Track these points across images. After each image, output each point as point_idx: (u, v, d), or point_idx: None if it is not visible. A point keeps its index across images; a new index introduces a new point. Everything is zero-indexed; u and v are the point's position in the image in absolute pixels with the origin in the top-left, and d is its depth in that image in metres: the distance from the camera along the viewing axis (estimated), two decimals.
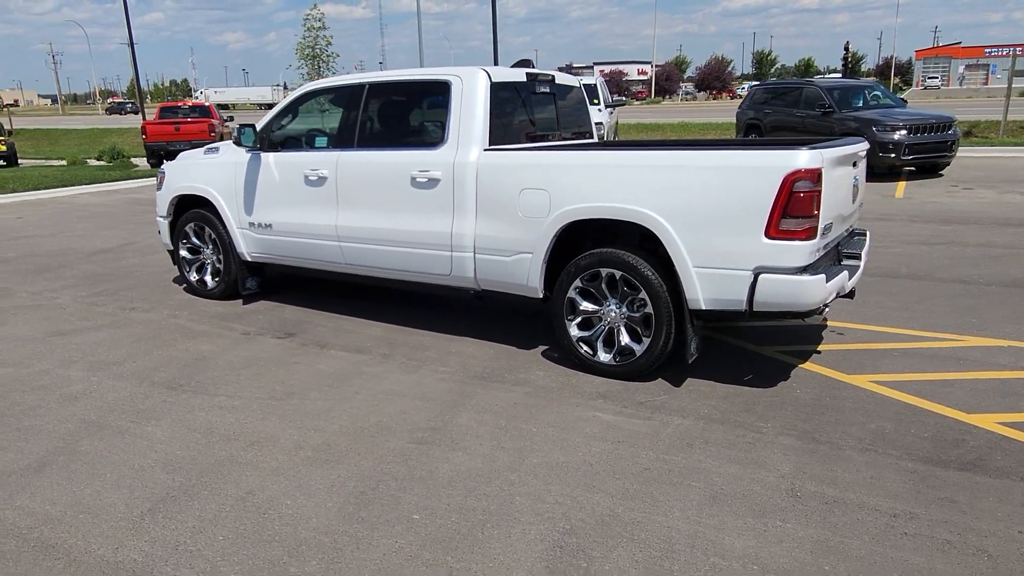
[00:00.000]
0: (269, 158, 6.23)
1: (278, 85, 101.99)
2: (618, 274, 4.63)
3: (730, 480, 3.48)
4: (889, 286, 6.82)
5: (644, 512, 3.22)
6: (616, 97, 17.02)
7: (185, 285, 7.31)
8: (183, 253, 7.13)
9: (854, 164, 4.73)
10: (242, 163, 6.40)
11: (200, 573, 2.84)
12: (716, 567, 2.83)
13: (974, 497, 3.27)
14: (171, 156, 23.23)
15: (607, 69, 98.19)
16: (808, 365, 4.95)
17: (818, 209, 4.08)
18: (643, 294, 4.56)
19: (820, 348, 5.28)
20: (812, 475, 3.52)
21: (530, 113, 5.79)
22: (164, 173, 7.23)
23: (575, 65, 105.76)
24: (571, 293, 4.84)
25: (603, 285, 4.73)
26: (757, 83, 30.22)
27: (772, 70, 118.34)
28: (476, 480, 3.53)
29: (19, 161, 26.35)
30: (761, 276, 4.16)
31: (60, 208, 14.16)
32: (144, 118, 28.50)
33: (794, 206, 4.02)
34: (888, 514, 3.16)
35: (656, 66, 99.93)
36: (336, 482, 3.52)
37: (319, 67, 48.47)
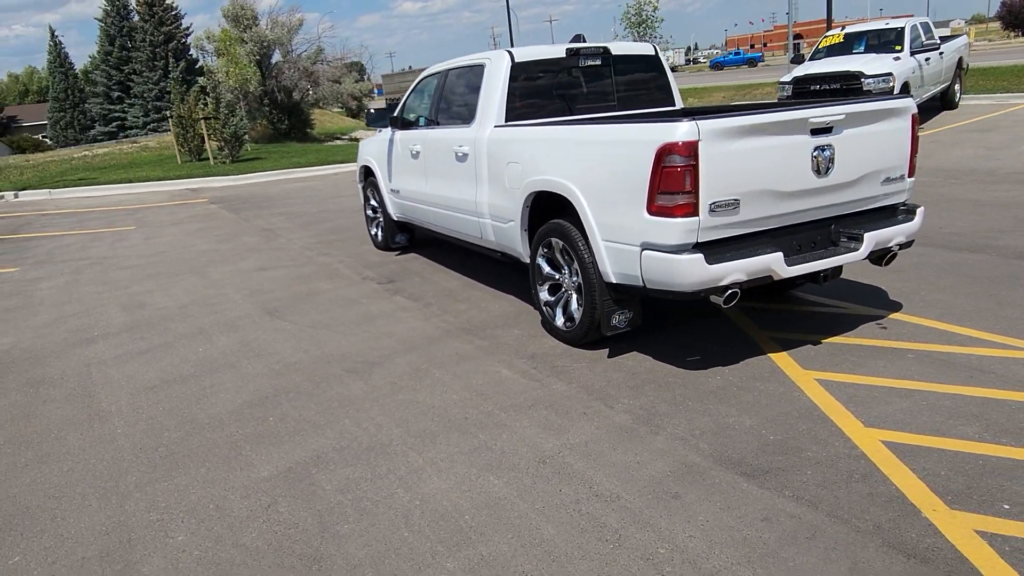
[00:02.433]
0: (397, 135, 7.52)
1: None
2: (561, 244, 4.86)
3: (511, 435, 3.75)
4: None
5: (421, 441, 3.75)
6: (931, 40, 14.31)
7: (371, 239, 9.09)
8: (367, 212, 8.92)
9: (815, 132, 4.12)
10: (387, 139, 7.81)
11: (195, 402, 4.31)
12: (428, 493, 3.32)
13: None
14: None
15: None
16: (776, 355, 4.54)
17: (693, 185, 3.85)
18: (576, 264, 4.74)
19: (822, 339, 4.71)
20: (574, 449, 3.59)
21: (571, 88, 6.04)
22: (359, 146, 9.05)
23: None
24: (538, 260, 5.19)
25: (557, 254, 4.99)
26: None
27: None
28: (339, 402, 4.39)
29: None
30: (644, 252, 4.10)
31: None
32: None
33: (666, 181, 3.88)
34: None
35: None
36: (260, 387, 4.71)
37: (645, 33, 48.35)
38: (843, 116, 4.18)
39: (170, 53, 42.79)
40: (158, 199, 16.34)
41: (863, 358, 4.37)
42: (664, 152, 3.85)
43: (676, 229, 3.93)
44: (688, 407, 3.94)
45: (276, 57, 42.14)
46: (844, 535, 2.77)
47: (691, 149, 3.81)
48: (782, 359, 4.47)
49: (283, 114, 37.19)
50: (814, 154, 4.14)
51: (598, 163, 4.38)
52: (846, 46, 15.10)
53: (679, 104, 6.43)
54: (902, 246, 4.67)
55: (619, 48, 6.20)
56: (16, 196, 18.90)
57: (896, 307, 5.18)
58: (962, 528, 2.76)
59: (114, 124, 45.97)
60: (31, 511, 3.44)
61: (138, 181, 18.96)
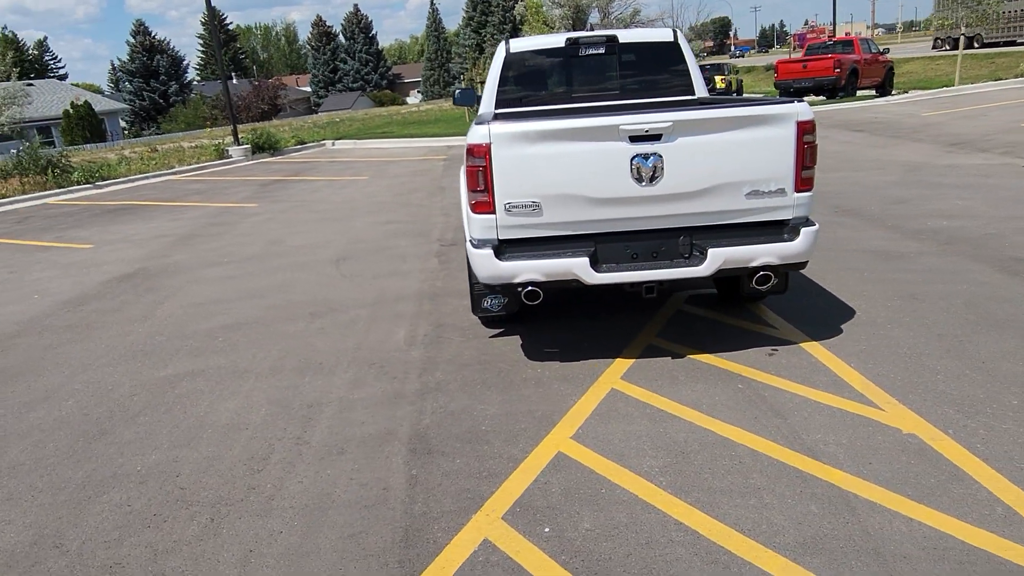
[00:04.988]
0: None
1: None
2: None
3: (327, 380, 4.54)
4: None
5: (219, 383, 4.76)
6: None
7: None
8: None
9: (635, 139, 3.97)
10: None
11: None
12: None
13: None
14: (797, 95, 24.63)
15: None
16: (620, 359, 4.53)
17: (488, 186, 4.11)
18: None
19: (689, 353, 4.54)
20: (344, 399, 4.24)
21: (571, 76, 6.18)
22: None
23: None
24: None
25: None
26: None
27: None
28: (281, 334, 5.53)
29: (743, 95, 32.20)
30: (466, 245, 4.46)
31: None
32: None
33: (470, 181, 4.21)
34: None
35: None
36: (251, 314, 6.05)
37: None
38: (669, 124, 3.97)
39: (515, 18, 46.85)
40: (417, 154, 19.00)
41: (691, 379, 4.18)
42: (468, 153, 4.16)
43: (478, 225, 4.23)
44: (465, 390, 4.29)
45: (594, 18, 43.83)
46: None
47: (484, 152, 4.07)
48: (616, 365, 4.46)
49: None
50: (634, 162, 4.03)
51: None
52: None
53: (699, 92, 6.13)
54: (777, 269, 4.22)
55: (630, 36, 6.12)
56: (333, 144, 23.37)
57: (826, 335, 4.63)
58: (471, 535, 2.93)
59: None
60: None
61: (420, 136, 22.05)
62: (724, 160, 4.05)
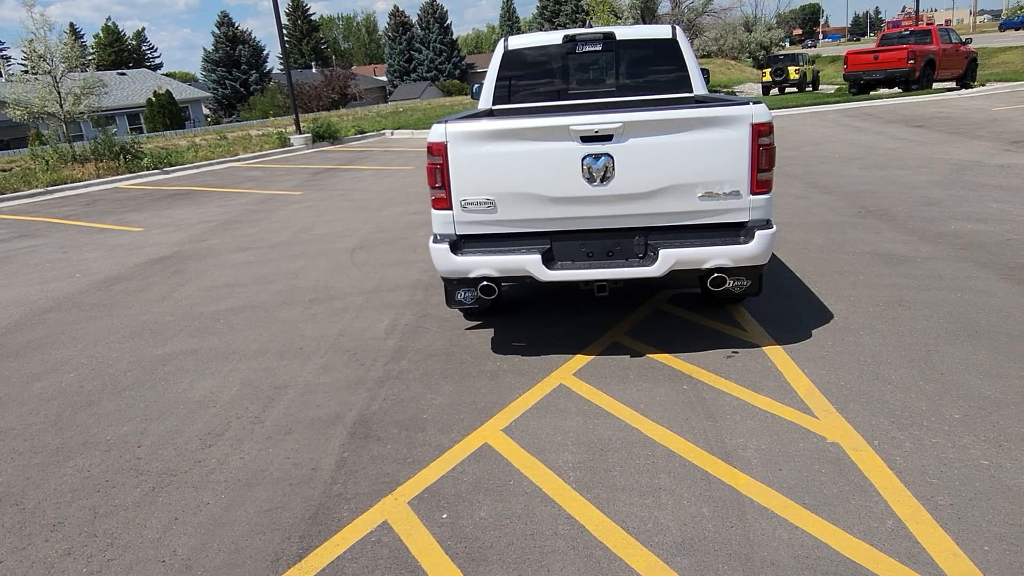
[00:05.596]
0: None
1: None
2: None
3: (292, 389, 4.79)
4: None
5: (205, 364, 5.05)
6: None
7: None
8: None
9: (586, 140, 4.01)
10: None
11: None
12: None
13: None
14: (866, 87, 23.66)
15: None
16: (579, 355, 4.60)
17: (445, 183, 4.25)
18: None
19: (649, 352, 4.57)
20: (282, 410, 4.47)
21: (567, 73, 6.21)
22: None
23: None
24: None
25: None
26: None
27: None
28: (278, 318, 5.84)
29: (819, 86, 32.15)
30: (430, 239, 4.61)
31: None
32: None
33: (429, 178, 4.35)
34: None
35: None
36: (263, 298, 6.38)
37: None
38: (619, 125, 4.00)
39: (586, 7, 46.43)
40: None
41: (640, 378, 4.21)
42: (427, 151, 4.31)
43: (437, 220, 4.37)
44: (422, 380, 4.45)
45: (664, 8, 43.04)
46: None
47: (441, 149, 4.21)
48: (574, 361, 4.53)
49: None
50: (585, 162, 4.08)
51: None
52: None
53: (698, 90, 6.07)
54: (731, 271, 4.20)
55: (626, 33, 6.10)
56: (392, 134, 23.89)
57: (793, 339, 4.58)
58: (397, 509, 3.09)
59: None
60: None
61: None
62: (676, 161, 4.06)
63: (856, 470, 3.14)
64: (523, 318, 5.37)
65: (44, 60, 16.24)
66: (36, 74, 16.92)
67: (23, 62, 17.02)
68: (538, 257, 4.22)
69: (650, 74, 6.14)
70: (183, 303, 6.46)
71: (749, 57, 63.29)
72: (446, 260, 4.32)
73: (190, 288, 6.94)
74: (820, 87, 35.47)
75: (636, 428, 3.64)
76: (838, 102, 21.05)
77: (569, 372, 4.37)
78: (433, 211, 4.37)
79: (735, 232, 4.18)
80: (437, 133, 4.20)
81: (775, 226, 4.23)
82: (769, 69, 35.88)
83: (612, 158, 4.06)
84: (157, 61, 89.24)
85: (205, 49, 59.51)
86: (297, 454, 3.65)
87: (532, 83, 6.25)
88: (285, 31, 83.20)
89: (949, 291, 5.22)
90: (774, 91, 35.10)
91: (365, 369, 4.66)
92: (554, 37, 6.14)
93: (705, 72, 7.69)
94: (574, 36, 6.07)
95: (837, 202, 8.48)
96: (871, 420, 3.54)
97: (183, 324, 5.86)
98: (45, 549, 3.03)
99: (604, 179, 4.09)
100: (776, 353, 4.41)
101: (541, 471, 3.32)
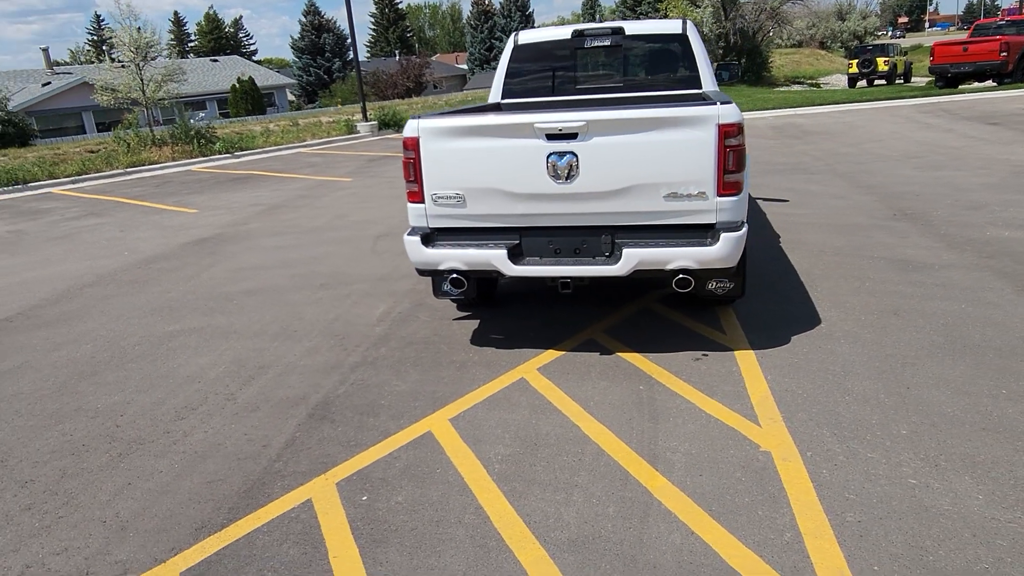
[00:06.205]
0: None
1: None
2: None
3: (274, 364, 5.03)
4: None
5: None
6: None
7: None
8: None
9: (551, 137, 4.04)
10: None
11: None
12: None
13: None
14: (954, 81, 22.40)
15: None
16: (550, 351, 4.66)
17: (418, 177, 4.37)
18: None
19: (619, 351, 4.58)
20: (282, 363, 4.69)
21: (576, 68, 6.21)
22: None
23: None
24: None
25: None
26: None
27: None
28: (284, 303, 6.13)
29: (911, 79, 31.64)
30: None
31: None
32: None
33: (404, 171, 4.48)
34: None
35: None
36: (278, 280, 6.70)
37: None
38: (583, 123, 4.01)
39: None
40: None
41: (601, 376, 4.23)
42: (403, 146, 4.44)
43: (412, 213, 4.50)
44: (394, 367, 4.59)
45: None
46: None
47: (414, 144, 4.33)
48: (544, 355, 4.59)
49: (738, 56, 37.06)
50: (550, 159, 4.11)
51: None
52: None
53: (707, 86, 5.96)
54: (699, 273, 4.15)
55: (637, 28, 6.05)
56: None
57: (769, 345, 4.49)
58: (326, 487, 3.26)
59: None
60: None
61: None
62: (640, 161, 4.04)
63: (776, 480, 3.09)
64: (510, 311, 5.45)
65: (128, 49, 17.24)
66: (122, 63, 18.00)
67: (112, 51, 18.10)
68: (504, 252, 4.28)
69: (658, 69, 6.08)
70: (207, 283, 6.84)
71: (841, 47, 60.59)
72: (417, 252, 4.44)
73: (218, 269, 7.33)
74: (912, 80, 33.69)
75: (577, 426, 3.68)
76: (915, 97, 19.95)
77: (534, 367, 4.42)
78: (408, 204, 4.50)
79: (702, 234, 4.13)
80: (410, 128, 4.32)
81: (745, 228, 4.15)
82: (856, 60, 34.36)
83: (576, 156, 4.07)
84: (252, 48, 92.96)
85: (292, 37, 61.63)
86: (255, 431, 3.87)
87: (541, 78, 6.29)
88: (372, 19, 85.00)
89: (954, 301, 4.97)
90: (861, 83, 33.60)
91: (346, 354, 4.85)
92: (564, 32, 6.16)
93: (731, 66, 7.57)
94: (583, 31, 6.06)
95: (875, 203, 8.14)
96: (813, 431, 3.46)
97: (200, 303, 6.22)
98: (11, 503, 3.34)
99: (569, 177, 4.12)
100: (746, 358, 4.33)
101: (470, 461, 3.42)
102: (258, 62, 73.41)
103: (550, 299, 5.65)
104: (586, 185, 4.12)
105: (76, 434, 3.98)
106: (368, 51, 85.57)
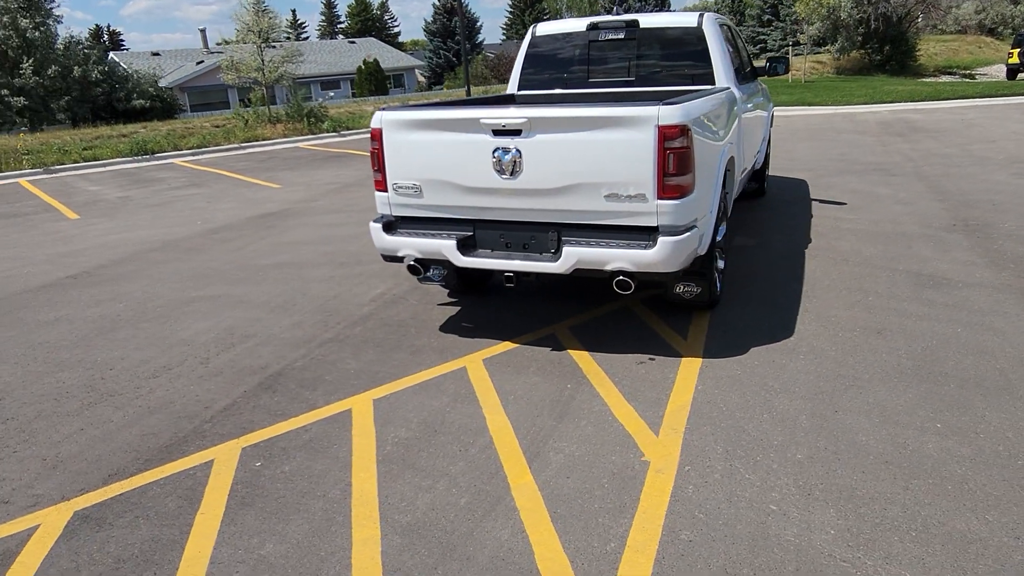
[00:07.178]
0: None
1: None
2: None
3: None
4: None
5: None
6: None
7: None
8: None
9: (497, 132, 4.09)
10: None
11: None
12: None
13: None
14: None
15: None
16: (508, 343, 4.74)
17: (381, 167, 4.57)
18: None
19: (570, 348, 4.61)
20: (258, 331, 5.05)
21: (591, 59, 6.14)
22: None
23: None
24: None
25: None
26: None
27: None
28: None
29: None
30: None
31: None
32: None
33: (372, 161, 4.69)
34: None
35: None
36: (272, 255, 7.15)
37: None
38: (525, 120, 4.04)
39: None
40: None
41: (536, 372, 4.27)
42: (370, 136, 4.65)
43: (378, 201, 4.72)
44: (357, 346, 4.84)
45: None
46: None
47: (378, 135, 4.53)
48: (498, 346, 4.68)
49: (880, 43, 34.48)
50: (495, 154, 4.18)
51: None
52: None
53: (721, 82, 5.75)
54: (634, 276, 4.09)
55: (651, 20, 5.91)
56: None
57: (722, 354, 4.35)
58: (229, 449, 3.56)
59: (758, 46, 47.68)
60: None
61: None
62: (581, 159, 4.03)
63: (637, 491, 3.06)
64: (495, 301, 5.55)
65: (250, 31, 18.55)
66: (245, 43, 19.39)
67: (238, 32, 19.54)
68: (453, 243, 4.41)
69: (671, 62, 5.92)
70: (248, 255, 7.40)
71: (1013, 34, 54.70)
72: (379, 238, 4.65)
73: (265, 243, 7.89)
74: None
75: (485, 417, 3.77)
76: None
77: (481, 357, 4.53)
78: (375, 192, 4.71)
79: (643, 237, 4.07)
80: (376, 120, 4.51)
81: (692, 232, 4.04)
82: (1018, 50, 31.00)
83: (520, 152, 4.12)
84: (396, 30, 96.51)
85: (425, 20, 63.34)
86: (207, 394, 4.24)
87: (556, 70, 6.29)
88: (510, 2, 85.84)
89: (952, 324, 4.58)
90: (1022, 75, 30.31)
91: (324, 330, 5.15)
92: (580, 24, 6.12)
93: (783, 60, 7.22)
94: (597, 24, 6.01)
95: (941, 211, 7.49)
96: (708, 446, 3.37)
97: (231, 273, 6.76)
98: None
99: (513, 172, 4.17)
100: (689, 366, 4.23)
101: (367, 441, 3.60)
102: (400, 44, 76.11)
103: (539, 292, 5.70)
104: (529, 181, 4.16)
105: (67, 382, 4.52)
106: (503, 33, 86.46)
